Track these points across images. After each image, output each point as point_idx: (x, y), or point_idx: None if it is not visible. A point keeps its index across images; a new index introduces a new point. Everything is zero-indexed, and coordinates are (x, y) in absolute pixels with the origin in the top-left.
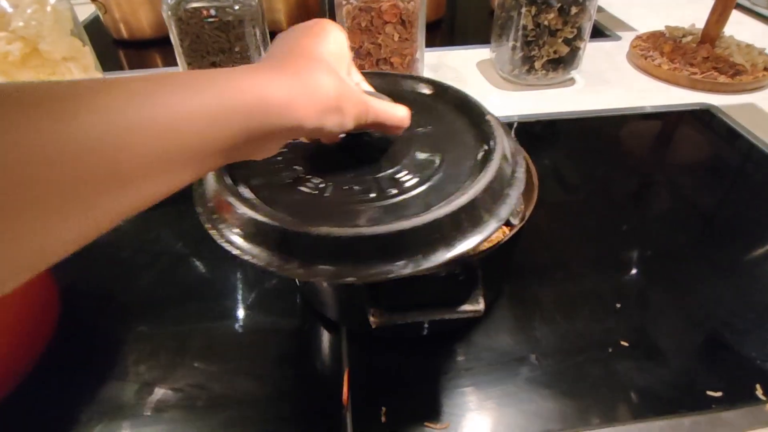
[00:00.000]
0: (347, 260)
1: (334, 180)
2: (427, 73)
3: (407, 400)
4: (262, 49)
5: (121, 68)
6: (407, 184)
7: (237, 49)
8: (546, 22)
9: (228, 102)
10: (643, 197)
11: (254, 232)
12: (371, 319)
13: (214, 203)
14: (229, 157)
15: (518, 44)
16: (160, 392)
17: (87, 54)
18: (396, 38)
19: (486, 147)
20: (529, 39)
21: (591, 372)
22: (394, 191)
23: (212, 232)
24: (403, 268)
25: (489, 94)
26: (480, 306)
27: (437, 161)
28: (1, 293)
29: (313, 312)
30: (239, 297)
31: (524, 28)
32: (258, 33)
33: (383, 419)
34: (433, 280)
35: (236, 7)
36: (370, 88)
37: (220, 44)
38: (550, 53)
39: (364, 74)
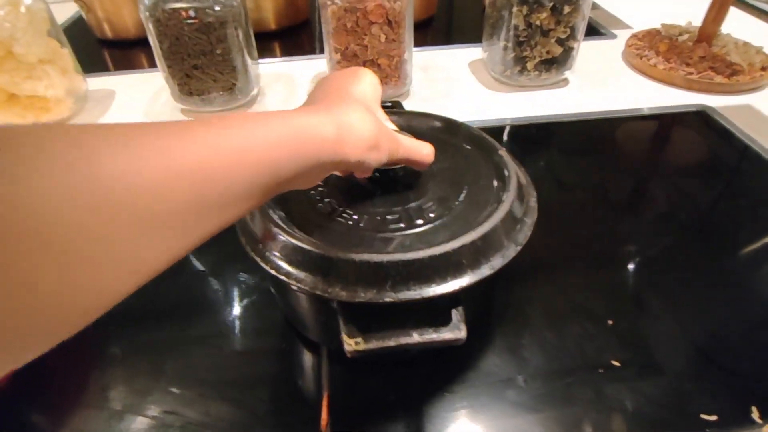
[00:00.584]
0: (385, 283)
1: (366, 211)
2: (417, 74)
3: (388, 426)
4: (245, 50)
5: (106, 69)
6: (432, 215)
7: (219, 51)
8: (538, 22)
9: (299, 139)
10: (636, 204)
11: (300, 260)
12: (346, 348)
13: (259, 233)
14: (286, 186)
15: (510, 44)
16: (132, 420)
17: (65, 56)
18: (383, 39)
19: (501, 178)
20: (520, 39)
21: (581, 394)
22: (421, 221)
23: (258, 258)
24: (436, 289)
25: (481, 96)
26: (461, 334)
27: (457, 193)
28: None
29: (294, 332)
30: (217, 317)
31: (516, 28)
32: (241, 34)
33: None
34: (412, 306)
35: (217, 8)
36: (395, 126)
37: (201, 46)
38: (543, 54)
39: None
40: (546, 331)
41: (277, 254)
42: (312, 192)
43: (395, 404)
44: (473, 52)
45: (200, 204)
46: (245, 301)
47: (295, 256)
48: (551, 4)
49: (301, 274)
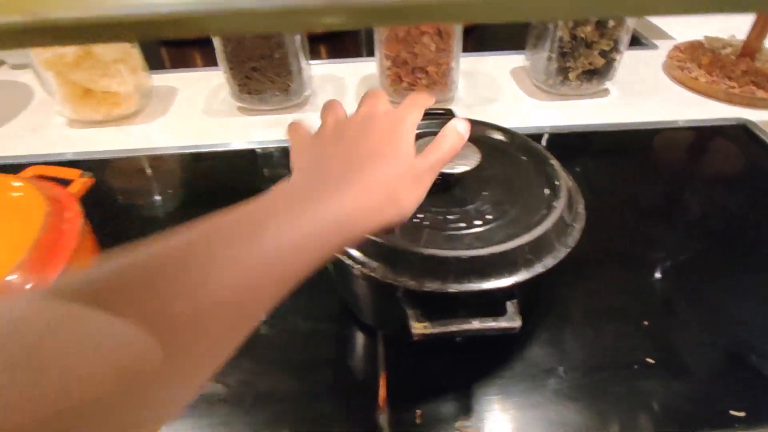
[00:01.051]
0: (449, 276)
1: (428, 210)
2: (461, 80)
3: (440, 405)
4: (300, 54)
5: (162, 67)
6: (489, 217)
7: (277, 56)
8: (582, 35)
9: (347, 227)
10: (672, 213)
11: (373, 251)
12: (413, 331)
13: None
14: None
15: (554, 55)
16: (212, 386)
17: (135, 55)
18: (433, 48)
19: (552, 186)
20: (564, 50)
21: (616, 387)
22: (480, 222)
23: None
24: (493, 283)
25: (523, 103)
26: (517, 323)
27: (511, 198)
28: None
29: (351, 318)
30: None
31: (560, 39)
32: (298, 39)
33: (418, 421)
34: (471, 297)
35: None
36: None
37: (261, 50)
38: (586, 65)
39: (438, 117)
40: (585, 328)
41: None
42: None
43: (447, 386)
44: (514, 60)
45: (271, 291)
46: (305, 287)
47: (368, 248)
48: (597, 17)
49: (373, 264)
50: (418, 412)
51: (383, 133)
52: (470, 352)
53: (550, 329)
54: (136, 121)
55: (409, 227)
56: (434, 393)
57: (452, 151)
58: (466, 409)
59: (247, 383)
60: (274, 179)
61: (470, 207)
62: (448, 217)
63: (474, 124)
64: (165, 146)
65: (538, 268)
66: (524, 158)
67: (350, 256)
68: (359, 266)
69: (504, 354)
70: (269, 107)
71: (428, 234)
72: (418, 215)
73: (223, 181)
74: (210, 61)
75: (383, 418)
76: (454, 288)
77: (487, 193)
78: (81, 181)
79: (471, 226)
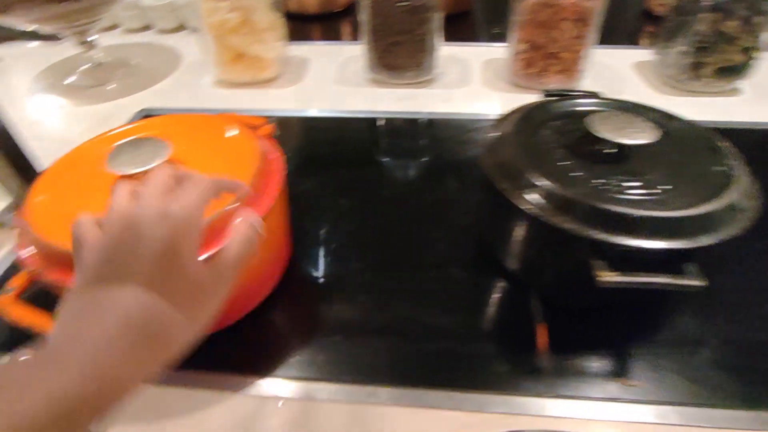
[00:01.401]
0: (634, 233)
1: (607, 178)
2: (589, 70)
3: (597, 359)
4: (438, 33)
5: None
6: (663, 187)
7: (419, 32)
8: (725, 30)
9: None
10: None
11: (559, 205)
12: (603, 279)
13: (519, 181)
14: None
15: (689, 50)
16: (381, 317)
17: (281, 26)
18: (570, 35)
19: (726, 165)
20: (702, 45)
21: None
22: (658, 190)
23: (517, 201)
24: (676, 243)
25: (649, 98)
26: (703, 282)
27: (685, 171)
28: None
29: (505, 272)
30: (437, 251)
31: (700, 34)
32: (437, 17)
33: (576, 369)
34: (657, 253)
35: None
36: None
37: (404, 26)
38: (723, 61)
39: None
40: (739, 308)
41: (543, 201)
42: (559, 163)
43: (601, 343)
44: (637, 54)
45: None
46: (462, 244)
47: (555, 203)
48: (747, 13)
49: (564, 218)
50: (575, 362)
51: (158, 257)
52: (621, 315)
53: (705, 304)
54: (274, 86)
55: (591, 190)
56: (589, 347)
57: (243, 247)
58: (620, 366)
59: (411, 318)
60: (398, 149)
61: (647, 176)
62: (624, 184)
63: (642, 108)
64: (300, 109)
65: (722, 235)
66: (695, 139)
67: (533, 205)
68: (548, 217)
69: (654, 320)
70: (401, 81)
71: (611, 196)
72: (599, 180)
73: (350, 146)
74: (330, 35)
75: (544, 362)
76: (640, 244)
77: (660, 167)
78: (268, 128)
79: (649, 193)
